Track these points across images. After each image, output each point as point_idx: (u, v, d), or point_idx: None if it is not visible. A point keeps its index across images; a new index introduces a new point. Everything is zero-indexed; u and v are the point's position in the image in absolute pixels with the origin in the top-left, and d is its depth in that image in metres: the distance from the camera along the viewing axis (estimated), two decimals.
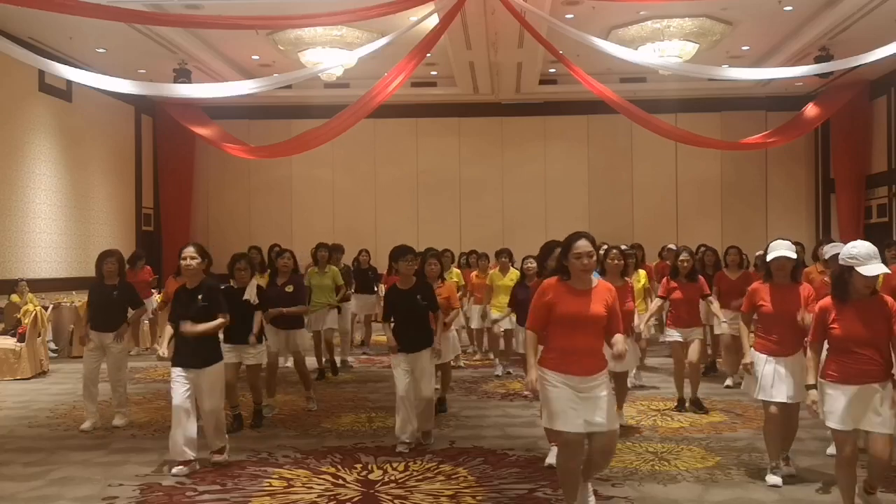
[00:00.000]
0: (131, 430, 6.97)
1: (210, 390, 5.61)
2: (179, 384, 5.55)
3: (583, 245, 4.24)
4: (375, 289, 12.43)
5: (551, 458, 5.47)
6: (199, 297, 5.61)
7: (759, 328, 5.27)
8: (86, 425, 6.97)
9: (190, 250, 5.71)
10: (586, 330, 4.23)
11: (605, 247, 6.53)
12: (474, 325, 11.07)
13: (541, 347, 4.40)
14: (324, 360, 9.87)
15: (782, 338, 5.09)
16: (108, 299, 7.06)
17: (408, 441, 6.09)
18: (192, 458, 5.53)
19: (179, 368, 5.57)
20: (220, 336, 6.09)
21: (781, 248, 5.12)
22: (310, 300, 8.98)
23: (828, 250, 5.92)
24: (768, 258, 5.16)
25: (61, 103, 14.11)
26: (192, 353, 5.57)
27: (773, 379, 5.05)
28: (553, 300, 4.26)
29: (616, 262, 6.44)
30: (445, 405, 7.59)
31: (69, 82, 13.41)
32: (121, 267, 7.20)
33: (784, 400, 5.05)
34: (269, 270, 8.68)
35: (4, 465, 5.87)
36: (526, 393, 7.87)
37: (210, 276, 5.87)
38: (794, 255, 5.12)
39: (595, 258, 4.31)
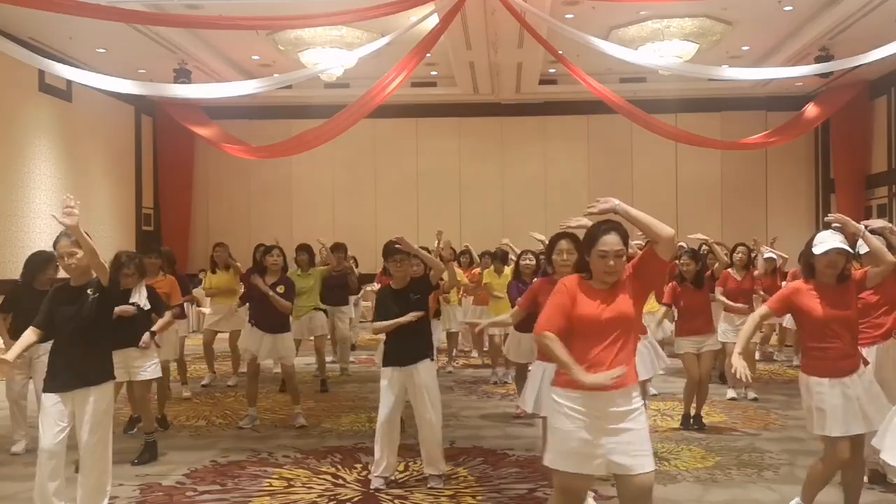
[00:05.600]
0: (131, 429, 6.91)
1: (94, 418, 4.35)
2: (50, 418, 4.26)
3: (611, 241, 3.37)
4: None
5: None
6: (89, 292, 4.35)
7: (807, 344, 4.23)
8: (18, 448, 6.19)
9: (66, 244, 4.29)
10: (607, 336, 3.37)
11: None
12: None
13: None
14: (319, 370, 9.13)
15: (844, 350, 4.09)
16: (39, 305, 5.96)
17: (385, 476, 5.20)
18: None
19: (53, 395, 4.29)
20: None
21: (835, 240, 4.10)
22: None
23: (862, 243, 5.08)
24: (816, 252, 4.13)
25: (61, 103, 14.09)
26: (74, 372, 4.29)
27: (844, 408, 4.00)
28: (570, 300, 3.43)
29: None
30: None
31: (69, 82, 13.40)
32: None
33: (863, 430, 4.07)
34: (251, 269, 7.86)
35: (4, 465, 5.88)
36: (518, 411, 7.19)
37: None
38: (850, 249, 4.18)
39: (625, 258, 3.47)
